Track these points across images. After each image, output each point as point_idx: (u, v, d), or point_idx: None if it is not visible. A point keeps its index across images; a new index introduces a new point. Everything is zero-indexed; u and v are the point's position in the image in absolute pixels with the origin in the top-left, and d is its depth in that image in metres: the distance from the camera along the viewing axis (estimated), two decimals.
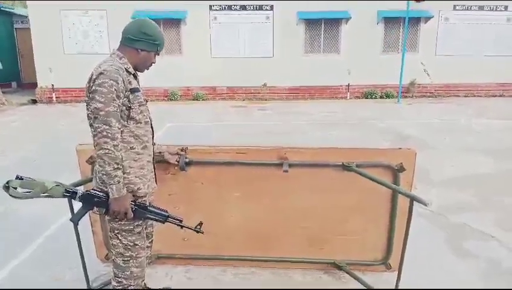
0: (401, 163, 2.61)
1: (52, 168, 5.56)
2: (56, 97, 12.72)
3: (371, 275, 2.93)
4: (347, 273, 2.94)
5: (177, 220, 2.28)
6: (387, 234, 2.88)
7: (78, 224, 2.19)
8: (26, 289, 2.47)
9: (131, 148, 2.14)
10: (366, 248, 2.95)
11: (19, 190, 2.02)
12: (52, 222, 3.76)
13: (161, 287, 2.72)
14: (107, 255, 2.98)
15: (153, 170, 2.35)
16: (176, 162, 2.69)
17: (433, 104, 12.07)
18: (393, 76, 12.35)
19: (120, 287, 2.29)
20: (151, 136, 2.31)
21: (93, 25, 12.54)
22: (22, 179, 2.02)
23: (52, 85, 12.52)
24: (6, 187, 2.00)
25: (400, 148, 2.75)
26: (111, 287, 2.36)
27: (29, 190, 2.02)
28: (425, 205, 2.20)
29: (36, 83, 12.98)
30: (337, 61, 13.02)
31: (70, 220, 2.14)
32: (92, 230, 3.02)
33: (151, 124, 2.31)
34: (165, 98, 13.13)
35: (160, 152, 2.57)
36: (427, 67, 13.22)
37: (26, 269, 3.12)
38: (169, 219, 2.25)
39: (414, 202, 2.27)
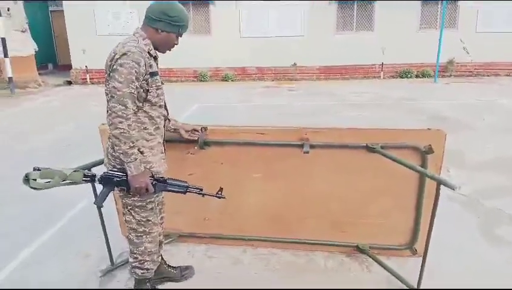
0: (430, 145, 2.47)
1: (82, 148, 5.72)
2: (90, 78, 13.04)
3: (395, 260, 2.84)
4: (370, 257, 2.86)
5: (198, 189, 2.30)
6: (413, 218, 2.77)
7: (102, 206, 2.23)
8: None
9: (145, 128, 2.15)
10: (391, 232, 2.85)
11: (39, 180, 2.04)
12: (79, 200, 3.86)
13: (182, 265, 2.75)
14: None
15: (163, 151, 2.33)
16: (191, 137, 2.64)
17: (472, 84, 11.48)
18: (430, 54, 11.80)
19: (136, 263, 2.33)
20: (164, 118, 2.31)
21: (124, 5, 12.64)
22: (40, 169, 2.04)
23: (86, 66, 12.83)
24: (26, 180, 2.03)
25: (429, 128, 2.60)
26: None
27: (49, 180, 2.05)
28: (453, 189, 2.07)
29: (71, 65, 13.34)
30: (370, 40, 12.56)
31: (94, 203, 2.19)
32: (116, 208, 3.07)
33: (165, 107, 2.30)
34: (195, 79, 13.18)
35: (175, 129, 2.56)
36: (466, 44, 12.53)
37: (54, 244, 3.24)
38: (189, 189, 2.26)
39: (442, 185, 2.14)
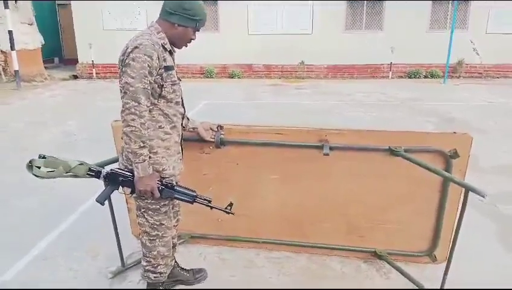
0: (455, 149, 2.38)
1: (88, 144, 5.67)
2: (96, 73, 12.98)
3: (413, 267, 2.75)
4: (388, 263, 2.78)
5: (206, 200, 2.19)
6: (434, 224, 2.68)
7: (103, 204, 2.11)
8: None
9: (160, 127, 2.05)
10: (410, 238, 2.76)
11: (43, 169, 1.96)
12: (90, 197, 3.79)
13: (194, 268, 2.67)
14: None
15: (180, 151, 2.24)
16: (211, 139, 2.58)
17: (481, 85, 11.34)
18: (439, 55, 11.68)
19: (149, 267, 2.25)
20: (181, 116, 2.21)
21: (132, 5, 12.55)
22: (45, 157, 1.97)
23: (92, 61, 12.77)
24: (30, 166, 1.95)
25: (455, 132, 2.51)
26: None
27: (53, 169, 1.97)
28: (483, 196, 1.99)
29: (77, 59, 13.28)
30: (379, 39, 12.44)
31: (96, 200, 2.07)
32: (127, 207, 3.00)
33: (182, 104, 2.20)
34: (201, 76, 13.10)
35: (194, 128, 2.47)
36: (476, 45, 12.39)
37: (63, 242, 3.17)
38: (197, 199, 2.16)
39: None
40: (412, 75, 12.58)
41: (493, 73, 12.61)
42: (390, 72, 12.58)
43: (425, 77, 12.55)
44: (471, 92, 10.25)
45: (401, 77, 12.74)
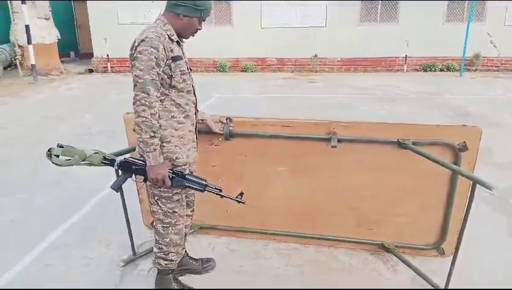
0: (464, 142, 2.36)
1: (103, 136, 5.77)
2: (111, 67, 13.13)
3: (421, 260, 2.75)
4: (395, 255, 2.78)
5: (217, 189, 2.24)
6: (442, 217, 2.67)
7: (117, 191, 2.24)
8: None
9: (173, 116, 2.11)
10: (418, 231, 2.76)
11: (61, 157, 2.07)
12: (104, 188, 3.88)
13: (203, 258, 2.72)
14: (152, 222, 3.02)
15: (195, 139, 2.30)
16: (220, 131, 2.63)
17: (498, 79, 11.11)
18: (456, 48, 11.46)
19: (161, 253, 2.32)
20: (194, 105, 2.25)
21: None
22: (63, 146, 2.08)
23: (107, 55, 12.92)
24: (49, 155, 2.07)
25: (464, 125, 2.49)
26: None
27: (70, 157, 2.07)
28: (490, 189, 1.97)
29: (92, 53, 13.46)
30: (394, 31, 12.26)
31: (111, 187, 2.19)
32: (139, 198, 3.07)
33: (194, 93, 2.24)
34: (214, 69, 13.14)
35: (203, 120, 2.52)
36: (494, 38, 12.11)
37: (77, 231, 3.26)
38: (208, 187, 2.21)
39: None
40: (428, 68, 12.39)
41: (511, 66, 12.32)
42: (406, 65, 12.40)
43: (441, 70, 12.34)
44: (487, 86, 10.05)
45: (417, 70, 12.56)
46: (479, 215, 3.32)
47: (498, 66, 12.38)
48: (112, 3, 12.70)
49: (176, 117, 2.12)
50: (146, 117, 1.93)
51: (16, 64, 12.05)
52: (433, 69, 12.32)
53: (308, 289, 2.50)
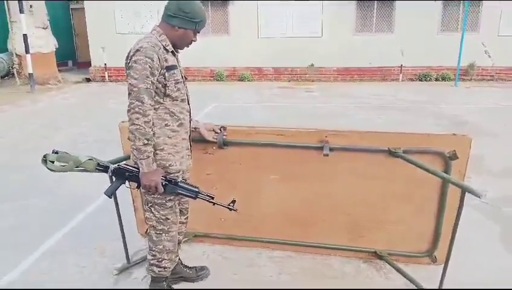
0: (454, 150, 2.40)
1: (99, 145, 5.78)
2: (108, 76, 13.18)
3: (413, 267, 2.77)
4: (388, 263, 2.80)
5: (209, 196, 2.27)
6: (434, 225, 2.70)
7: (111, 197, 2.27)
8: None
9: (166, 125, 2.15)
10: (410, 238, 2.78)
11: (56, 163, 2.10)
12: (98, 196, 3.88)
13: (197, 266, 2.73)
14: (146, 230, 3.04)
15: (189, 147, 2.33)
16: (213, 139, 2.66)
17: (493, 88, 11.22)
18: (450, 57, 11.58)
19: (154, 261, 2.33)
20: (188, 113, 2.29)
21: (144, 5, 12.72)
22: (58, 153, 2.12)
23: (105, 64, 12.98)
24: (44, 160, 2.11)
25: (454, 134, 2.53)
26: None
27: (65, 163, 2.11)
28: (479, 197, 2.00)
29: (90, 62, 13.52)
30: (390, 41, 12.39)
31: (104, 193, 2.21)
32: (134, 206, 3.08)
33: (188, 102, 2.28)
34: (211, 78, 13.21)
35: (196, 128, 2.55)
36: (488, 48, 12.26)
37: (71, 239, 3.27)
38: (200, 195, 2.24)
39: (466, 193, 2.08)
40: (423, 77, 12.50)
41: (505, 76, 12.45)
42: (401, 75, 12.52)
43: (436, 79, 12.45)
44: (482, 95, 10.15)
45: (412, 79, 12.67)
46: (472, 223, 3.36)
47: (492, 76, 12.50)
48: (110, 12, 12.80)
49: (169, 125, 2.16)
50: (140, 125, 1.97)
51: (13, 73, 12.08)
52: (428, 78, 12.44)
53: (309, 289, 2.51)
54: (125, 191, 2.36)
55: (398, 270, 2.72)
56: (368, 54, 12.47)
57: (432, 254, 2.75)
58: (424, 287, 2.53)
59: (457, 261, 2.45)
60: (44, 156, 2.10)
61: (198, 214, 2.82)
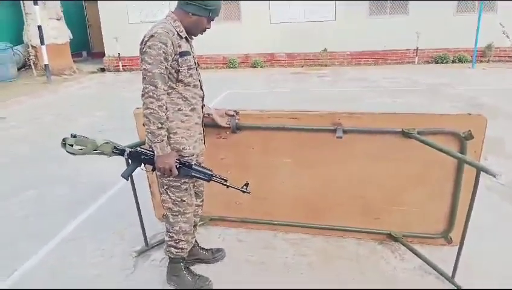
0: (469, 130, 2.37)
1: (115, 132, 5.87)
2: (122, 65, 13.28)
3: (428, 249, 2.77)
4: (403, 245, 2.81)
5: (222, 179, 2.31)
6: (449, 206, 2.69)
7: (127, 179, 2.33)
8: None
9: (179, 109, 2.18)
10: (425, 220, 2.78)
11: (75, 146, 2.16)
12: (117, 182, 3.96)
13: (213, 248, 2.79)
14: (163, 214, 3.10)
15: (202, 132, 2.36)
16: (227, 125, 2.69)
17: (511, 69, 10.93)
18: (467, 39, 11.29)
19: (171, 242, 2.39)
20: (201, 98, 2.32)
21: None
22: (76, 136, 2.18)
23: (119, 54, 13.07)
24: (64, 144, 2.16)
25: (469, 113, 2.49)
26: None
27: (83, 147, 2.17)
28: (495, 176, 1.99)
29: (104, 52, 13.64)
30: (405, 23, 12.12)
31: (121, 175, 2.28)
32: (150, 191, 3.14)
33: (201, 87, 2.30)
34: (224, 66, 13.19)
35: (209, 114, 2.58)
36: (506, 28, 11.90)
37: (90, 225, 3.36)
38: (214, 177, 2.29)
39: (482, 173, 2.06)
40: (439, 60, 12.24)
41: None
42: (417, 58, 12.27)
43: (453, 61, 12.17)
44: (500, 77, 9.91)
45: (428, 62, 12.42)
46: (488, 205, 3.33)
47: (511, 57, 12.16)
48: (123, 3, 12.84)
49: (182, 110, 2.19)
50: (154, 109, 2.01)
51: (29, 65, 12.26)
52: (444, 60, 12.17)
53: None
54: (142, 177, 2.39)
55: (413, 251, 2.72)
56: (382, 37, 12.23)
57: (447, 235, 2.74)
58: (440, 267, 2.53)
59: (473, 243, 2.44)
60: (64, 140, 2.16)
61: (214, 198, 2.87)
